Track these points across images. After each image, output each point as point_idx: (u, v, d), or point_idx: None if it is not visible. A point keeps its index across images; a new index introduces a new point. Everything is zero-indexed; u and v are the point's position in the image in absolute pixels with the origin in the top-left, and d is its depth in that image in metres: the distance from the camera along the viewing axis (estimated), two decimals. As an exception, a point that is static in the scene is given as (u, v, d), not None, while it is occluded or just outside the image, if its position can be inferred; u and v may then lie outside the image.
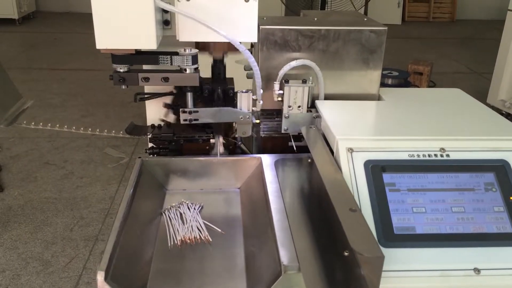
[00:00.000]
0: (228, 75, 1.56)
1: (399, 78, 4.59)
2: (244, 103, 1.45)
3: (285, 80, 1.47)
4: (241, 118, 1.46)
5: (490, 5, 10.00)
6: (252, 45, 1.64)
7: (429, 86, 5.08)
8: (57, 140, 4.09)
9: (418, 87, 4.86)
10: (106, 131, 1.63)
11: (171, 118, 1.63)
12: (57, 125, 1.60)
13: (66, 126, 1.61)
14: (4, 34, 7.80)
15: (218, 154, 1.49)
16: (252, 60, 1.31)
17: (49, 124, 1.58)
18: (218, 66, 1.49)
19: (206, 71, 1.52)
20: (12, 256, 2.68)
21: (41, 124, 1.55)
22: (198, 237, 1.23)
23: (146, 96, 1.56)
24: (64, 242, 2.82)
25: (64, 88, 5.40)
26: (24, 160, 3.76)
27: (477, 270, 1.03)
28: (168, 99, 1.57)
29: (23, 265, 2.61)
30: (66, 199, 3.26)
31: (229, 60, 1.57)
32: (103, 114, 4.70)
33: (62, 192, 3.34)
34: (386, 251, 0.91)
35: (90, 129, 1.59)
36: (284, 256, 1.02)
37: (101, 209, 3.16)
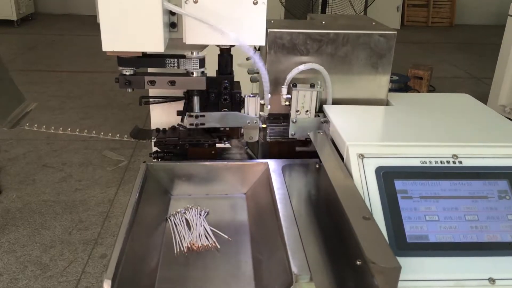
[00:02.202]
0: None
1: (399, 82, 4.60)
2: (251, 107, 1.43)
3: (293, 84, 1.45)
4: (248, 122, 1.44)
5: (489, 10, 10.03)
6: (256, 48, 1.62)
7: (429, 91, 5.08)
8: (55, 142, 4.06)
9: (418, 91, 4.86)
10: (110, 134, 1.61)
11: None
12: (60, 128, 1.57)
13: (69, 129, 1.58)
14: (3, 36, 7.77)
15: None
16: (261, 65, 1.29)
17: (53, 127, 1.55)
18: (225, 58, 1.44)
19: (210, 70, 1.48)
20: (10, 259, 2.65)
21: (44, 127, 1.52)
22: (205, 244, 1.20)
23: (150, 99, 1.53)
24: (62, 245, 2.79)
25: (62, 90, 5.37)
26: (22, 163, 3.73)
27: (492, 280, 1.01)
28: (177, 105, 1.53)
29: (21, 269, 2.58)
30: (64, 202, 3.23)
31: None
32: (102, 117, 4.67)
33: (61, 195, 3.31)
34: (398, 260, 0.89)
35: (94, 132, 1.56)
36: (295, 264, 0.99)
37: (100, 212, 3.13)
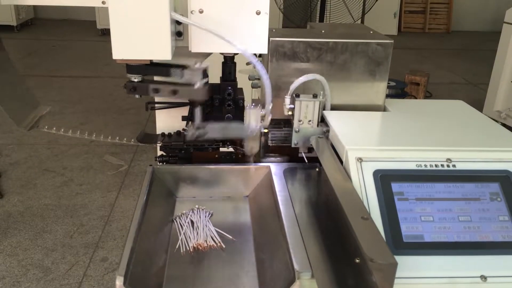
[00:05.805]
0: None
1: (396, 88, 4.65)
2: (252, 118, 1.46)
3: (296, 94, 1.48)
4: (250, 134, 1.47)
5: (485, 17, 10.14)
6: (256, 55, 1.66)
7: (425, 97, 5.14)
8: (56, 147, 4.10)
9: (415, 97, 4.91)
10: (118, 138, 1.65)
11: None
12: (70, 130, 1.62)
13: (78, 132, 1.63)
14: (3, 41, 7.78)
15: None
16: (264, 73, 1.33)
17: (62, 129, 1.60)
18: (229, 65, 1.49)
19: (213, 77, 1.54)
20: (12, 263, 2.68)
21: (54, 128, 1.58)
22: (212, 243, 1.25)
23: (156, 105, 1.58)
24: (64, 249, 2.82)
25: (62, 95, 5.40)
26: (23, 167, 3.76)
27: (483, 278, 1.06)
28: (182, 111, 1.58)
29: (23, 272, 2.61)
30: (65, 206, 3.27)
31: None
32: (102, 121, 4.71)
33: (62, 199, 3.34)
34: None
35: (95, 135, 1.61)
36: (297, 262, 1.04)
37: (100, 216, 3.16)
